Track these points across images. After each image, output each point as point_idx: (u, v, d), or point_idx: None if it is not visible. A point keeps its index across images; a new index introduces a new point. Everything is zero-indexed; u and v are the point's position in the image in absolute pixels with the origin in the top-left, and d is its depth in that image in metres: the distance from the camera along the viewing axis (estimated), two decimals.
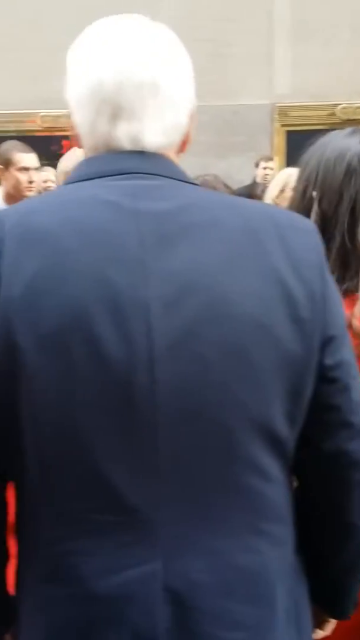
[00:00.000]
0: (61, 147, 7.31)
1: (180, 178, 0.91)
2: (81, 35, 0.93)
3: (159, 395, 0.80)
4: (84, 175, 0.89)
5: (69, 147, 7.84)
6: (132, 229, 0.81)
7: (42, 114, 6.94)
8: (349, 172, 1.26)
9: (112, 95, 0.87)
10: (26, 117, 7.03)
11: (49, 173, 5.05)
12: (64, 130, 6.29)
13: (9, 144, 3.02)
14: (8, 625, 0.94)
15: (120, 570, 0.82)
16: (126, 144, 0.89)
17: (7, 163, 2.94)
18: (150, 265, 0.80)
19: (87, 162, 0.92)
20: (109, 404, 0.79)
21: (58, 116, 7.05)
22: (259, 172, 5.74)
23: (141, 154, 0.89)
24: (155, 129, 0.90)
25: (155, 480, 0.82)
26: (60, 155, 3.43)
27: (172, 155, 0.94)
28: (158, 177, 0.88)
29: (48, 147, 7.05)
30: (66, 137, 6.99)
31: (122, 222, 0.82)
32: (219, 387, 0.82)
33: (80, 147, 0.95)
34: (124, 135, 0.89)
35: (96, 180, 0.87)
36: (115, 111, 0.87)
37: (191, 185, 0.93)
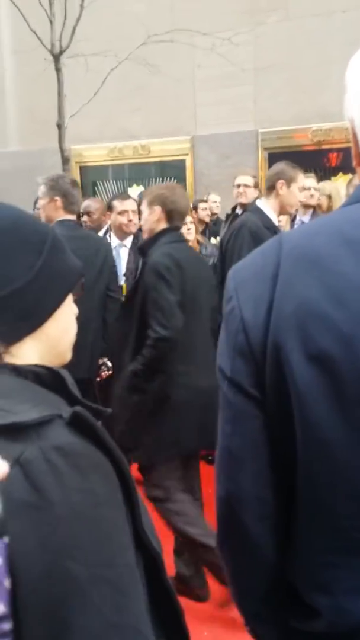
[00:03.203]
0: (329, 160, 7.34)
1: None
2: None
3: None
4: None
5: (337, 160, 7.77)
6: None
7: (313, 128, 7.05)
8: None
9: None
10: (296, 132, 7.20)
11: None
12: (334, 144, 6.32)
13: (289, 165, 3.31)
14: None
15: None
16: None
17: (290, 180, 3.20)
18: None
19: None
20: None
21: (329, 129, 7.14)
22: None
23: None
24: None
25: None
26: (331, 168, 3.48)
27: None
28: None
29: (319, 161, 7.14)
30: (333, 150, 7.01)
31: None
32: None
33: (359, 165, 0.93)
34: None
35: None
36: None
37: None
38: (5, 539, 0.59)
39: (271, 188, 3.20)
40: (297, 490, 0.85)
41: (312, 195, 4.51)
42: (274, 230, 3.09)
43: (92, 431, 0.72)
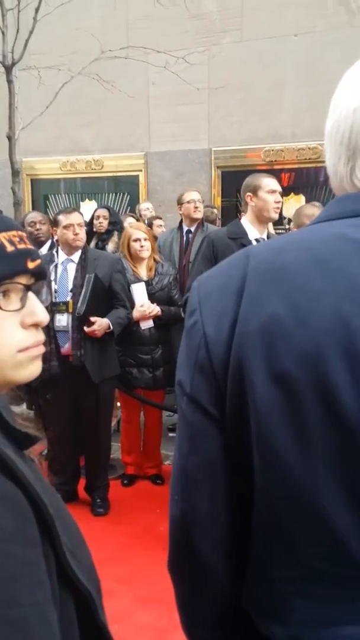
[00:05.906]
0: (281, 180, 7.45)
1: None
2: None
3: None
4: (334, 214, 0.85)
5: (288, 180, 7.89)
6: None
7: (266, 148, 7.15)
8: None
9: (348, 137, 0.83)
10: (248, 152, 7.28)
11: None
12: (285, 164, 6.48)
13: (251, 176, 3.44)
14: None
15: (339, 623, 0.78)
16: None
17: (256, 189, 3.32)
18: None
19: (338, 201, 0.88)
20: (338, 450, 0.74)
21: (281, 150, 7.24)
22: None
23: None
24: None
25: None
26: (282, 188, 3.50)
27: None
28: None
29: None
30: (285, 171, 7.13)
31: None
32: None
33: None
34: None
35: (347, 219, 0.83)
36: (353, 152, 0.83)
37: None
38: None
39: (245, 204, 3.40)
40: (254, 514, 0.81)
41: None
42: (241, 242, 3.21)
43: (2, 462, 0.66)
